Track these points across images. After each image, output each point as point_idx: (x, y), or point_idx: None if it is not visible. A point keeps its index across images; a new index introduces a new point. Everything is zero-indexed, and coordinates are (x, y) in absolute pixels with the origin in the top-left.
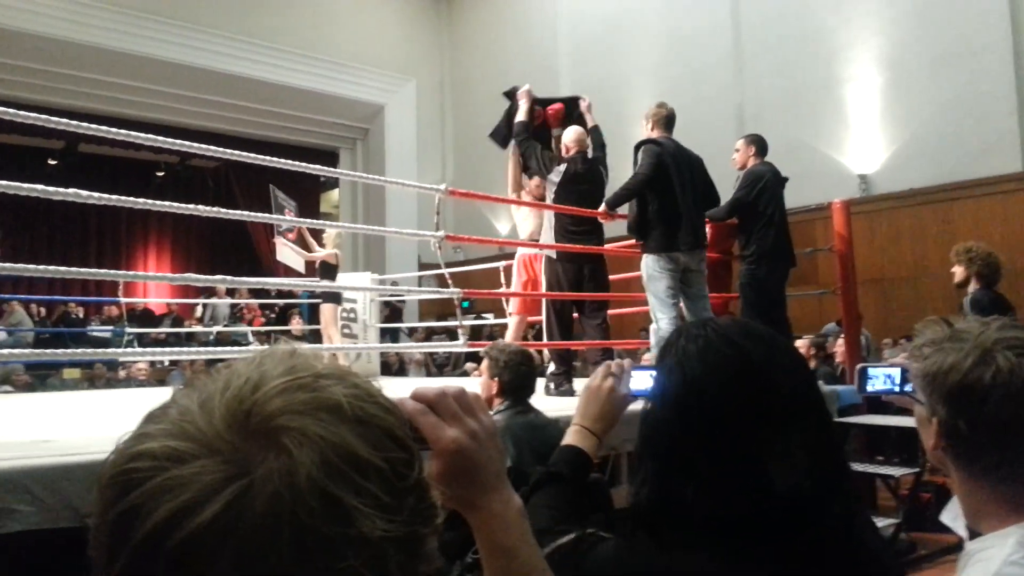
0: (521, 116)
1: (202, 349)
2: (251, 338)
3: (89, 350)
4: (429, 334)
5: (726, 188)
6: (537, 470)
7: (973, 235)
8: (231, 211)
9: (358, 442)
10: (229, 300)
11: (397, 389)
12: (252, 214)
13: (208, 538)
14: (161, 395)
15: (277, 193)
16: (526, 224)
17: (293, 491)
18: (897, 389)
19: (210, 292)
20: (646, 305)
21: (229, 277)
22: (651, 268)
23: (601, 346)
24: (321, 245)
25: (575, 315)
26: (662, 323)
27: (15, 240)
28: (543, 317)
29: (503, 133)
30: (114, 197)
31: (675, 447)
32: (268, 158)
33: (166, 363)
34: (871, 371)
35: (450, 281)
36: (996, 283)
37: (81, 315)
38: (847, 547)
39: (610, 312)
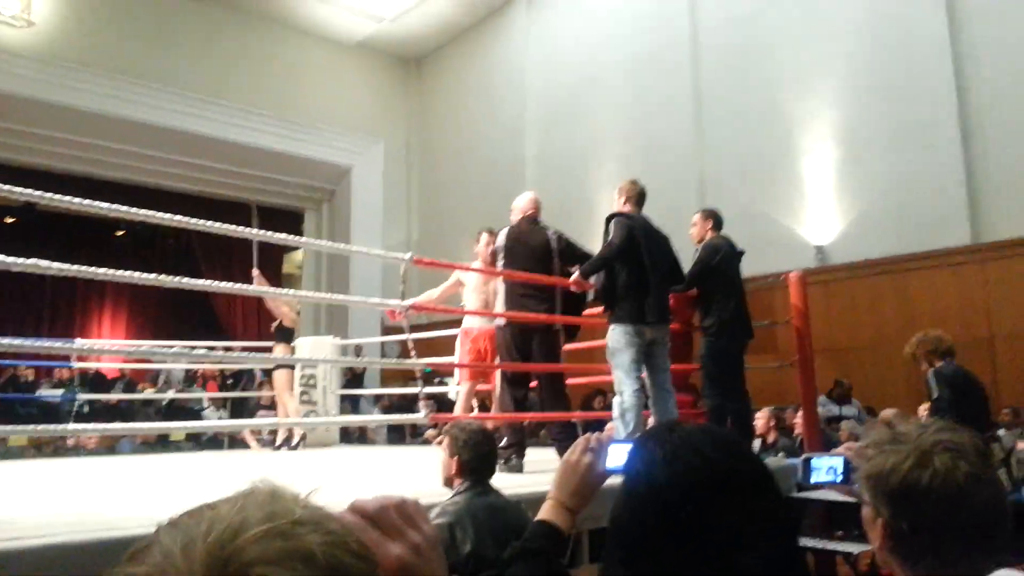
0: None
1: (152, 426)
2: (206, 403)
3: (32, 427)
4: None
5: (685, 257)
6: (512, 544)
7: (929, 306)
8: (193, 280)
9: None
10: (184, 364)
11: (356, 460)
12: (213, 283)
13: None
14: (109, 465)
15: None
16: (472, 297)
17: None
18: (839, 480)
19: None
20: (605, 375)
21: (186, 345)
22: (618, 340)
23: (552, 419)
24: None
25: (532, 384)
26: (626, 395)
27: None
28: (496, 387)
29: None
30: (74, 268)
31: (638, 554)
32: (230, 226)
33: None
34: (814, 462)
35: (413, 352)
36: (953, 354)
37: (31, 378)
38: None
39: (573, 382)
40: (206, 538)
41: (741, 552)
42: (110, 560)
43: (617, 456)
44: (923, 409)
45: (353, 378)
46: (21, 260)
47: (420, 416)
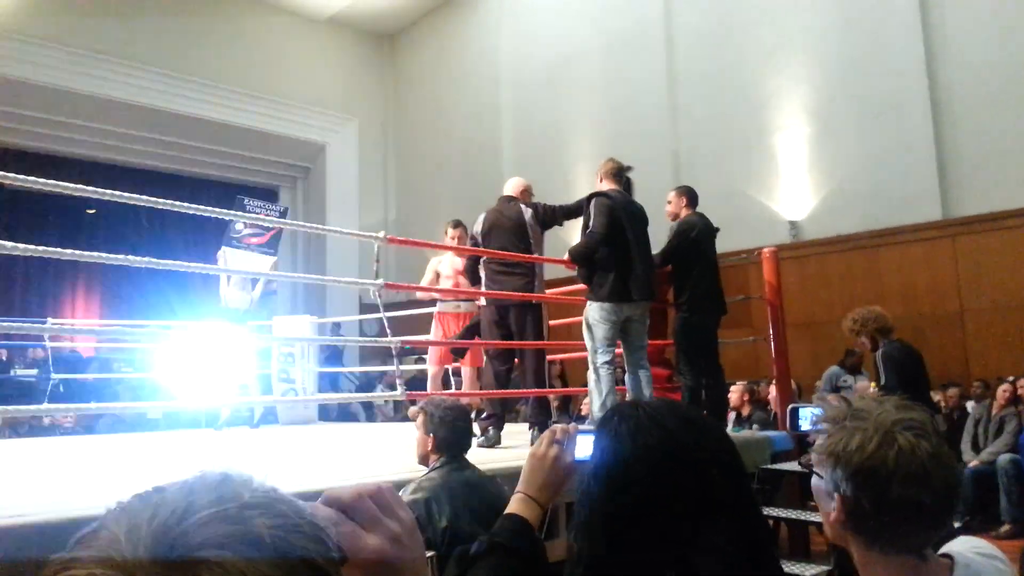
0: None
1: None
2: None
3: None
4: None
5: (661, 234)
6: (480, 539)
7: (900, 280)
8: (164, 261)
9: (277, 574)
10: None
11: (336, 437)
12: (185, 264)
13: None
14: (86, 444)
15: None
16: (446, 285)
17: None
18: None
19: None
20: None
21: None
22: (595, 315)
23: (532, 394)
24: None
25: (516, 360)
26: (601, 371)
27: None
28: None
29: None
30: (40, 248)
31: (605, 527)
32: (203, 207)
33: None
34: (802, 411)
35: (388, 330)
36: (892, 331)
37: (3, 358)
38: None
39: (559, 357)
40: (151, 522)
41: (705, 523)
42: (67, 543)
43: (585, 446)
44: (873, 391)
45: (331, 354)
46: None
47: (397, 394)
